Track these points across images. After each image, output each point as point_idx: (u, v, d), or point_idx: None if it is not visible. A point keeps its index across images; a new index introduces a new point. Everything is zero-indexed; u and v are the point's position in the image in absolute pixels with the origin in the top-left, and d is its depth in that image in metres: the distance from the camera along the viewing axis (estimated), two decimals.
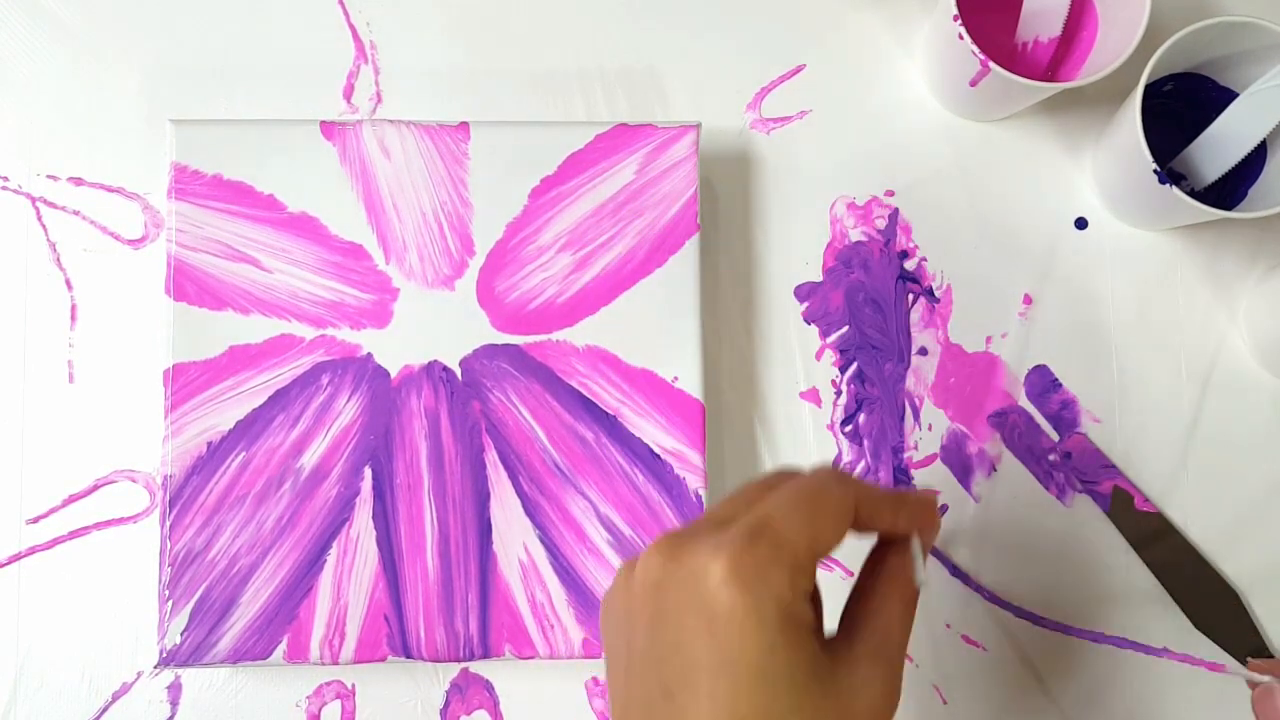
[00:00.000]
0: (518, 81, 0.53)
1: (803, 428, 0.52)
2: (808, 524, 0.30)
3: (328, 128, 0.48)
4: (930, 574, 0.51)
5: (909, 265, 0.53)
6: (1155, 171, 0.47)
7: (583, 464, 0.47)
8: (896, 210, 0.53)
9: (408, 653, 0.46)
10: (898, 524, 0.33)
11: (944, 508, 0.52)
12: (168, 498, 0.46)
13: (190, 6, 0.53)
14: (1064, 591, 0.51)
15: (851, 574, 0.51)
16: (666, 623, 0.29)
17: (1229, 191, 0.51)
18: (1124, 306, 0.53)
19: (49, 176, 0.52)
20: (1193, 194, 0.48)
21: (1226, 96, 0.50)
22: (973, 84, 0.49)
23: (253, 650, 0.46)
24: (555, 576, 0.47)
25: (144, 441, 0.50)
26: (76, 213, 0.51)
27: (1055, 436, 0.52)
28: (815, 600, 0.33)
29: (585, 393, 0.48)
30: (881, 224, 0.53)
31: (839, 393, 0.52)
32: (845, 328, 0.52)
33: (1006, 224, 0.53)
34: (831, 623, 0.34)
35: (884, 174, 0.53)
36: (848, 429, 0.52)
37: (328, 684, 0.49)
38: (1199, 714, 0.50)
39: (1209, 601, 0.50)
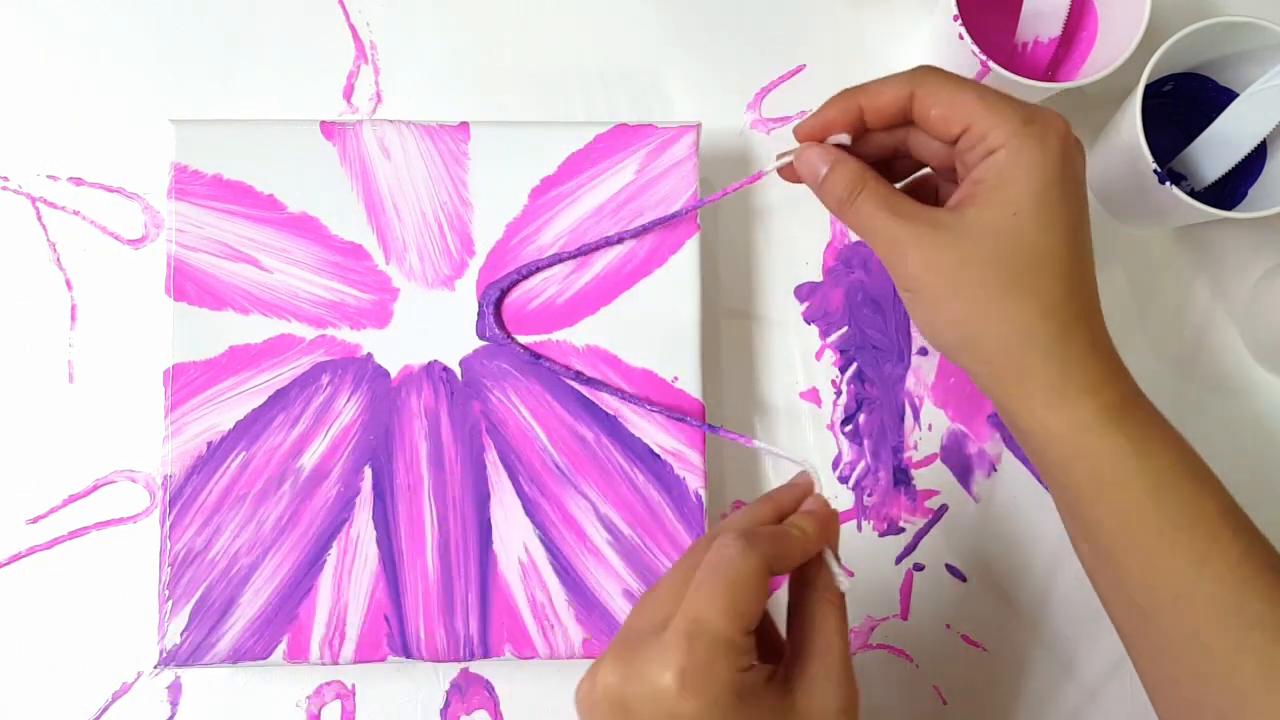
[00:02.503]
0: (518, 81, 0.53)
1: (803, 428, 0.52)
2: (731, 608, 0.32)
3: (328, 128, 0.48)
4: (928, 575, 0.51)
5: None
6: (1155, 171, 0.47)
7: (583, 464, 0.47)
8: None
9: (408, 653, 0.46)
10: (809, 551, 0.36)
11: (944, 507, 0.52)
12: (168, 498, 0.46)
13: (190, 7, 0.53)
14: (1064, 591, 0.51)
15: (852, 574, 0.51)
16: None
17: (1229, 191, 0.51)
18: (1124, 306, 0.53)
19: (49, 176, 0.52)
20: (1193, 194, 0.48)
21: (1226, 96, 0.50)
22: None
23: (253, 650, 0.46)
24: (555, 576, 0.47)
25: (144, 441, 0.50)
26: (76, 213, 0.51)
27: None
28: (763, 628, 0.38)
29: (585, 392, 0.48)
30: None
31: (839, 393, 0.52)
32: (845, 328, 0.52)
33: None
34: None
35: None
36: (848, 429, 0.52)
37: (328, 684, 0.49)
38: None
39: None
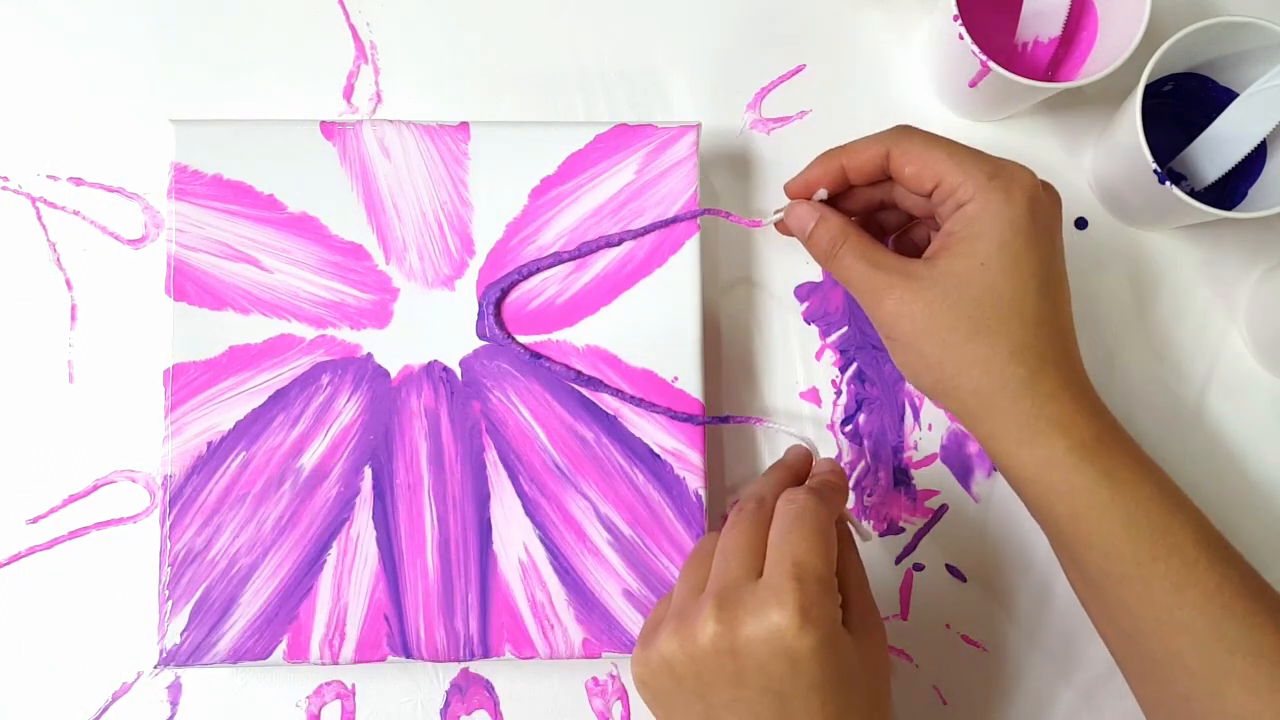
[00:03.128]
0: (518, 81, 0.53)
1: (803, 428, 0.52)
2: (826, 550, 0.35)
3: (328, 128, 0.48)
4: (928, 575, 0.51)
5: None
6: (1155, 171, 0.47)
7: (583, 464, 0.47)
8: None
9: (408, 653, 0.46)
10: (843, 503, 0.41)
11: (944, 507, 0.52)
12: (168, 498, 0.46)
13: (190, 6, 0.53)
14: (1063, 591, 0.51)
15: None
16: (750, 674, 0.34)
17: (1229, 191, 0.51)
18: (1124, 306, 0.53)
19: (49, 176, 0.52)
20: (1193, 194, 0.48)
21: (1226, 96, 0.50)
22: (973, 84, 0.49)
23: (253, 650, 0.46)
24: (555, 576, 0.47)
25: (144, 441, 0.50)
26: (76, 213, 0.51)
27: None
28: None
29: (585, 393, 0.48)
30: None
31: (839, 393, 0.52)
32: (845, 328, 0.52)
33: None
34: None
35: None
36: (848, 429, 0.52)
37: (328, 684, 0.49)
38: None
39: None
